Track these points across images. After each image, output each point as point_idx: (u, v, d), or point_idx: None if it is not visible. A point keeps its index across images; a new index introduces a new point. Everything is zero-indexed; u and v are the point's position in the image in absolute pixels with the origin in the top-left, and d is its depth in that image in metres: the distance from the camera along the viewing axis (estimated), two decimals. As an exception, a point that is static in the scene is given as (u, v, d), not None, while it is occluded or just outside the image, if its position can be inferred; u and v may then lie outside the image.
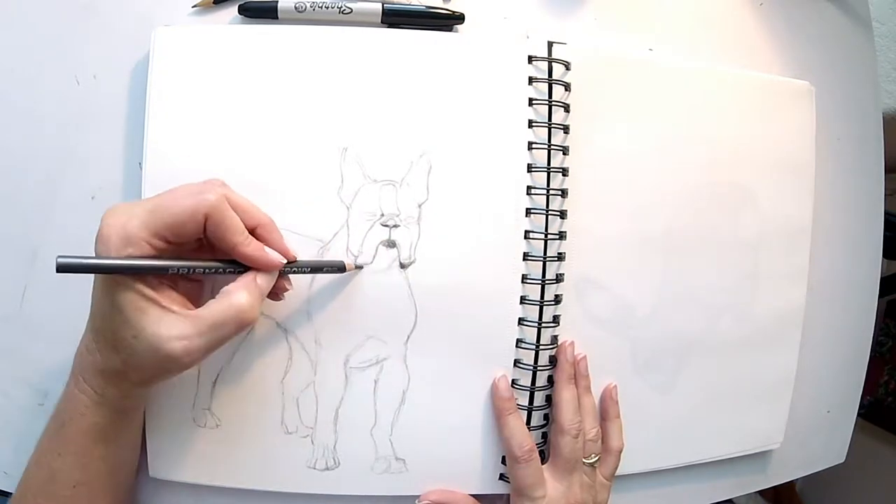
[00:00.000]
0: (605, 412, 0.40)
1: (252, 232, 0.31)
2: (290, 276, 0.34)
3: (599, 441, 0.39)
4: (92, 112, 0.38)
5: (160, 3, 0.38)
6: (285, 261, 0.32)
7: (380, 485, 0.38)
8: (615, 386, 0.40)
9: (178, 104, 0.36)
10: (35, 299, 0.37)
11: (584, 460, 0.37)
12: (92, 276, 0.30)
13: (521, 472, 0.36)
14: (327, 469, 0.37)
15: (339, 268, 0.35)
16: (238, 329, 0.30)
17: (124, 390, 0.31)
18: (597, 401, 0.40)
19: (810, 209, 0.45)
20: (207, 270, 0.30)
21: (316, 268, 0.34)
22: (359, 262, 0.37)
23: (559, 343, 0.39)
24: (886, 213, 0.49)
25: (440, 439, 0.38)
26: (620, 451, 0.39)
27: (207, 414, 0.36)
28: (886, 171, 0.49)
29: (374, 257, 0.37)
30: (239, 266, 0.31)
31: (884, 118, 0.49)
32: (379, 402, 0.37)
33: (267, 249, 0.31)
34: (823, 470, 0.49)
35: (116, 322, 0.29)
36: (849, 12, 0.48)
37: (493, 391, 0.38)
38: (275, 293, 0.34)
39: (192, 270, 0.30)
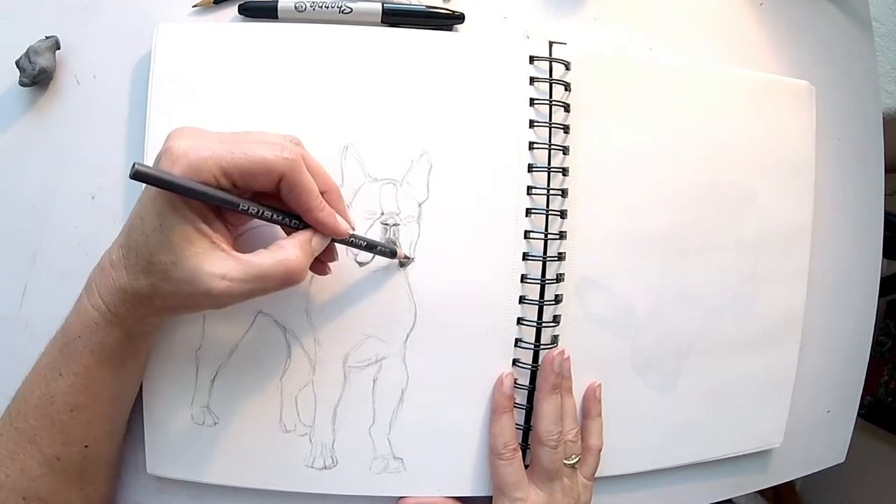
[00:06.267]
0: (587, 410, 0.40)
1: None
2: (338, 250, 0.34)
3: (579, 441, 0.38)
4: (92, 112, 0.38)
5: (161, 2, 0.38)
6: (352, 230, 0.32)
7: (377, 484, 0.38)
8: (599, 384, 0.40)
9: (178, 102, 0.36)
10: (35, 299, 0.38)
11: (564, 461, 0.37)
12: (140, 191, 0.29)
13: (503, 469, 0.36)
14: (325, 468, 0.37)
15: (392, 252, 0.36)
16: (283, 285, 0.29)
17: (141, 314, 0.30)
18: (580, 398, 0.40)
19: (810, 209, 0.45)
20: (276, 216, 0.30)
21: (371, 245, 0.34)
22: (358, 259, 0.37)
23: (548, 351, 0.38)
24: (886, 213, 0.49)
25: (438, 439, 0.38)
26: (600, 450, 0.39)
27: (206, 411, 0.36)
28: (886, 171, 0.49)
29: (373, 256, 0.37)
30: (300, 222, 0.31)
31: (884, 118, 0.49)
32: (377, 401, 0.37)
33: (337, 216, 0.31)
34: (823, 470, 0.49)
35: (159, 244, 0.28)
36: (849, 12, 0.48)
37: (496, 386, 0.38)
38: (322, 266, 0.34)
39: (260, 213, 0.29)
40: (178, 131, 0.28)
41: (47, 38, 0.37)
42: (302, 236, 0.30)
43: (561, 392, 0.38)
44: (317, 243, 0.31)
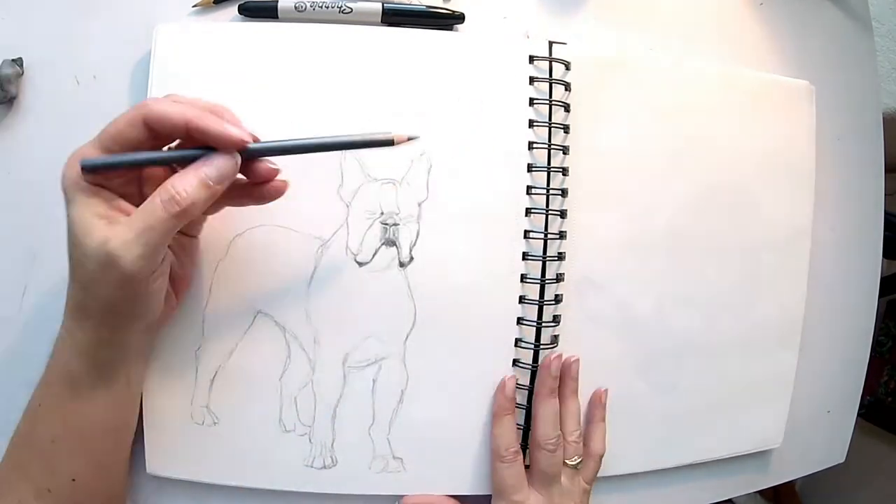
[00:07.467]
0: (591, 415, 0.40)
1: None
2: (275, 171, 0.31)
3: (581, 443, 0.38)
4: (92, 112, 0.38)
5: (160, 2, 0.38)
6: (246, 137, 0.28)
7: (377, 484, 0.38)
8: (606, 390, 0.40)
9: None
10: (35, 299, 0.37)
11: (566, 461, 0.37)
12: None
13: (504, 472, 0.36)
14: (325, 468, 0.37)
15: (372, 142, 0.30)
16: (174, 219, 0.27)
17: (90, 332, 0.29)
18: (585, 403, 0.40)
19: (810, 209, 0.45)
20: (175, 156, 0.29)
21: (288, 148, 0.30)
22: (358, 259, 0.37)
23: (546, 356, 0.38)
24: (886, 213, 0.49)
25: (438, 439, 0.38)
26: (601, 456, 0.39)
27: (205, 411, 0.36)
28: (886, 171, 0.49)
29: (373, 256, 0.37)
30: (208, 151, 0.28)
31: (884, 118, 0.49)
32: (377, 401, 0.37)
33: (226, 124, 0.28)
34: (823, 470, 0.49)
35: (71, 243, 0.28)
36: (849, 12, 0.48)
37: (499, 389, 0.38)
38: (259, 193, 0.31)
39: (157, 159, 0.29)
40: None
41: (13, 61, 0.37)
42: (191, 168, 0.28)
43: (565, 392, 0.38)
44: (208, 168, 0.28)
